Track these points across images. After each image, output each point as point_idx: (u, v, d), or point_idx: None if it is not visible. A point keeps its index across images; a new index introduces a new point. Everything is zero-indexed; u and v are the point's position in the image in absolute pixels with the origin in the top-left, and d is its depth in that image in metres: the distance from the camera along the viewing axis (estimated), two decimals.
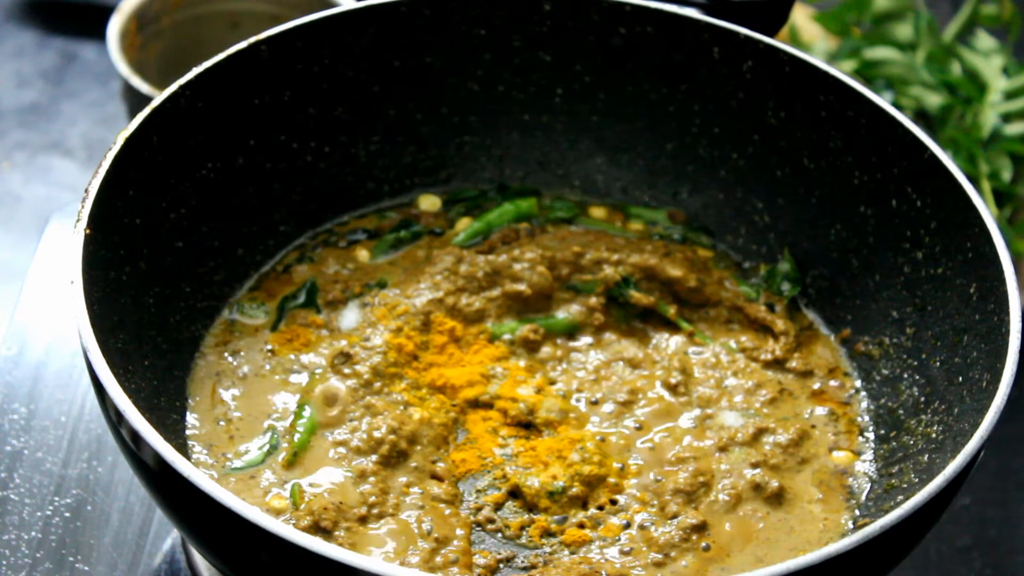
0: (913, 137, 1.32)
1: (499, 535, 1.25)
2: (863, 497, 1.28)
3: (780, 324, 1.41)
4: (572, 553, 1.23)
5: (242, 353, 1.34)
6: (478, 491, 1.27)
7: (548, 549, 1.23)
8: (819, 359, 1.40)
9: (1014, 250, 1.70)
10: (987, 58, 1.87)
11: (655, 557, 1.23)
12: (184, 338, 1.32)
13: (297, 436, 1.27)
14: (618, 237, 1.47)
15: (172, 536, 1.36)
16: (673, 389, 1.36)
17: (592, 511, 1.26)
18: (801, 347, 1.40)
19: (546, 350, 1.39)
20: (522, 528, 1.25)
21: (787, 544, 1.25)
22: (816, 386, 1.38)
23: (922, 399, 1.29)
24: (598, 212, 1.51)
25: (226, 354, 1.34)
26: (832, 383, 1.38)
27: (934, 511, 1.12)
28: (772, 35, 1.43)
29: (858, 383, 1.37)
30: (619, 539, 1.24)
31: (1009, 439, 1.58)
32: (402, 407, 1.30)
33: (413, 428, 1.28)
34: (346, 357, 1.33)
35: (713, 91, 1.45)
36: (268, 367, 1.34)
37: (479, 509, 1.26)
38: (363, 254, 1.45)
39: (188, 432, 1.27)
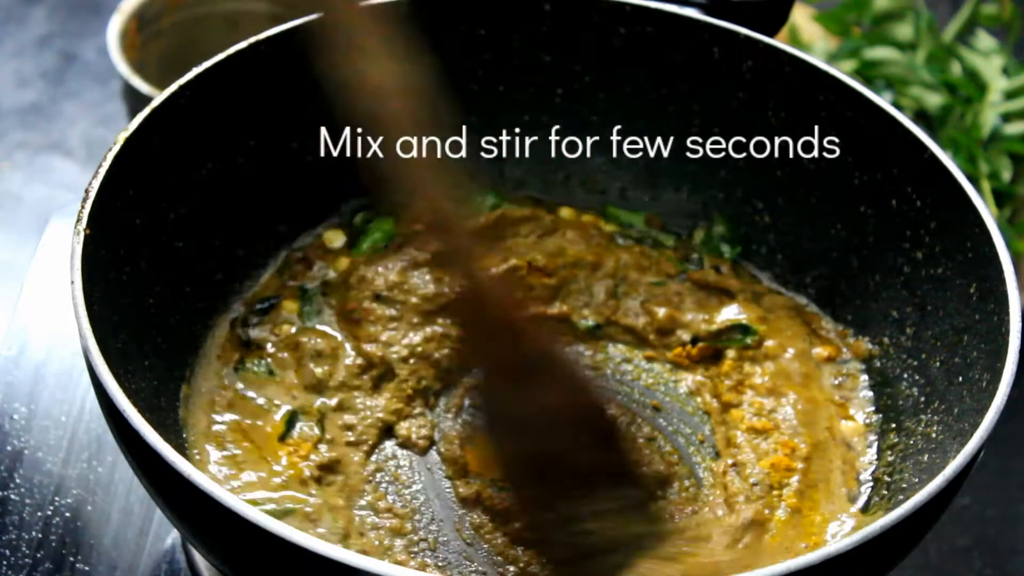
0: (913, 137, 1.32)
1: None
2: (863, 497, 1.28)
3: (733, 283, 1.42)
4: None
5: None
6: None
7: None
8: None
9: (1014, 250, 1.70)
10: (987, 58, 1.87)
11: None
12: (184, 338, 1.32)
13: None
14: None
15: (172, 536, 1.36)
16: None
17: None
18: None
19: None
20: None
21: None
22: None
23: (922, 399, 1.29)
24: (567, 213, 1.51)
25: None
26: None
27: (934, 511, 1.12)
28: (772, 35, 1.43)
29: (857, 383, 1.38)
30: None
31: (1009, 439, 1.58)
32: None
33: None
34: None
35: (713, 91, 1.45)
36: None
37: None
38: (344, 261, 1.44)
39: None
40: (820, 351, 1.39)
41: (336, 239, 1.44)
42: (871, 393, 1.36)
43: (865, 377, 1.37)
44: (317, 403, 1.30)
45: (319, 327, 1.36)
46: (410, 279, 1.39)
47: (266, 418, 1.29)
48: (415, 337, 1.35)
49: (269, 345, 1.35)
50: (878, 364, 1.36)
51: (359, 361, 1.33)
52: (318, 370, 1.32)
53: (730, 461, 1.29)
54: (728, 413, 1.34)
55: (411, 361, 1.34)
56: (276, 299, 1.38)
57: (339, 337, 1.36)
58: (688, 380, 1.38)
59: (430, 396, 1.34)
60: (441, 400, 1.35)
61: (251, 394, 1.30)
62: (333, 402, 1.30)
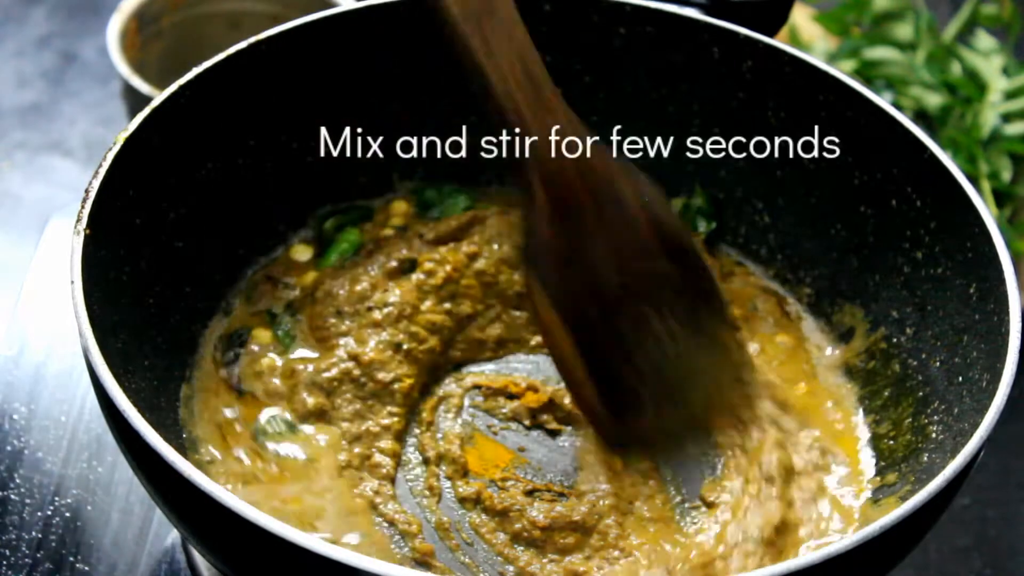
0: (913, 137, 1.32)
1: None
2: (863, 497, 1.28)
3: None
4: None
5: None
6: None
7: None
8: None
9: (1014, 250, 1.70)
10: (987, 58, 1.87)
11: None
12: (184, 338, 1.32)
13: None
14: None
15: (172, 536, 1.36)
16: None
17: None
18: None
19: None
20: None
21: None
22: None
23: (922, 399, 1.29)
24: None
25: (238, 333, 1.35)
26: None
27: (934, 511, 1.12)
28: (772, 35, 1.43)
29: (858, 383, 1.38)
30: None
31: (1009, 439, 1.58)
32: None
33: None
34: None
35: (713, 91, 1.45)
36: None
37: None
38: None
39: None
40: (784, 339, 1.40)
41: (303, 253, 1.42)
42: (870, 392, 1.36)
43: (864, 377, 1.37)
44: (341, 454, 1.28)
45: (300, 353, 1.34)
46: (374, 295, 1.37)
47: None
48: (381, 345, 1.33)
49: (264, 388, 1.31)
50: (877, 364, 1.36)
51: (345, 379, 1.32)
52: (310, 400, 1.30)
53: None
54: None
55: (390, 366, 1.33)
56: (246, 331, 1.35)
57: (316, 357, 1.34)
58: None
59: (420, 405, 1.33)
60: (441, 404, 1.34)
61: (270, 445, 1.28)
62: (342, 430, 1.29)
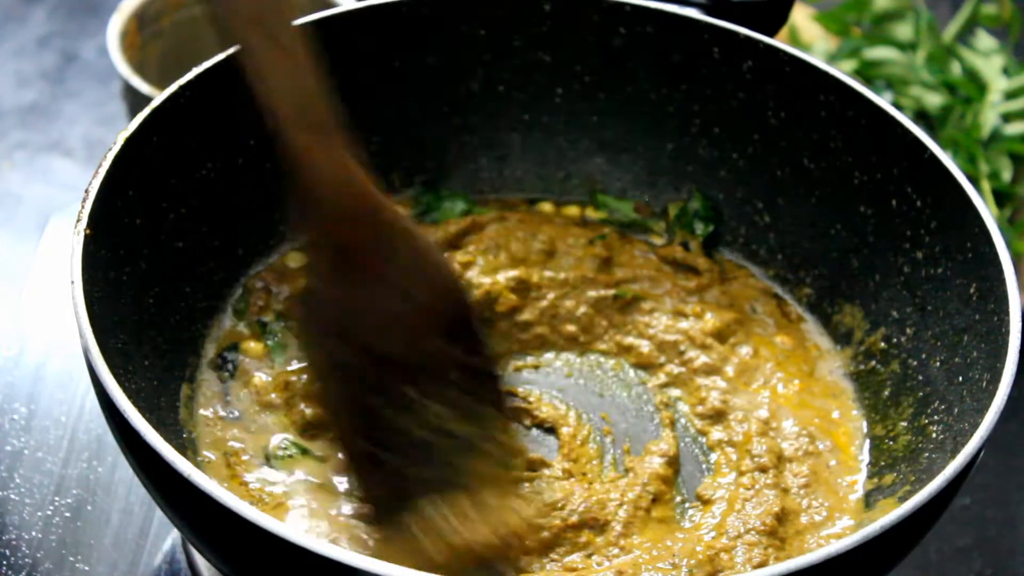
0: (913, 137, 1.32)
1: None
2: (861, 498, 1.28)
3: (701, 262, 1.44)
4: None
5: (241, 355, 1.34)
6: None
7: None
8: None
9: (1014, 250, 1.70)
10: (987, 58, 1.87)
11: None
12: (184, 338, 1.32)
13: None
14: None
15: (172, 536, 1.36)
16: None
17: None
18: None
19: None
20: None
21: None
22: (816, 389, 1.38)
23: (922, 399, 1.29)
24: (547, 207, 1.51)
25: (226, 354, 1.34)
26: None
27: (934, 511, 1.12)
28: (772, 35, 1.43)
29: (858, 383, 1.38)
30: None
31: (1009, 439, 1.58)
32: None
33: None
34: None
35: (713, 91, 1.45)
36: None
37: None
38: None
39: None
40: (783, 340, 1.40)
41: (297, 260, 1.42)
42: (870, 392, 1.36)
43: (864, 377, 1.37)
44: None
45: (293, 364, 1.33)
46: None
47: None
48: None
49: (260, 403, 1.30)
50: (877, 364, 1.36)
51: None
52: (308, 411, 1.29)
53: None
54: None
55: None
56: (235, 350, 1.34)
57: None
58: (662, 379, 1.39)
59: None
60: None
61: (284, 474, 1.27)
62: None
